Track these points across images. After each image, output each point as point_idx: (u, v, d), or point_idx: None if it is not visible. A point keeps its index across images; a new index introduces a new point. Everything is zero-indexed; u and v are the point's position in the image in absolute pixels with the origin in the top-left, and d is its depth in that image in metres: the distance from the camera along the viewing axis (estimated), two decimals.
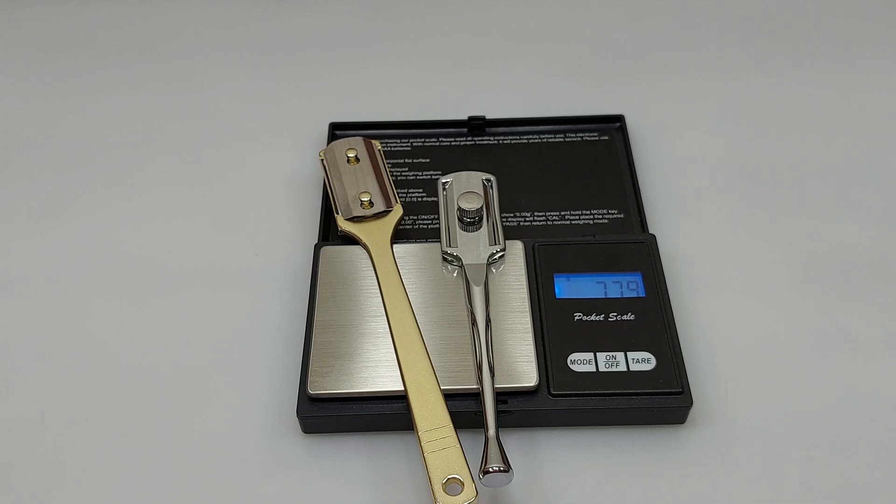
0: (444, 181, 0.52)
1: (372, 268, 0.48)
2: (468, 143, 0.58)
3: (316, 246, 0.50)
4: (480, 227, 0.49)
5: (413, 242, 0.50)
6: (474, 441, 0.42)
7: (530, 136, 0.58)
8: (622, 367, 0.44)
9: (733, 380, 0.46)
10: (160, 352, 0.48)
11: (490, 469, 0.39)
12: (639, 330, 0.45)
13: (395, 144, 0.58)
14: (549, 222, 0.53)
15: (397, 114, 0.60)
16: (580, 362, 0.44)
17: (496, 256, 0.48)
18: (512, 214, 0.53)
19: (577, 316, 0.46)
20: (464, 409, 0.42)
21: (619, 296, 0.47)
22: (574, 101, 0.61)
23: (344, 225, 0.50)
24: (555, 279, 0.47)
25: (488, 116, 0.58)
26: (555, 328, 0.45)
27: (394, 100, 0.62)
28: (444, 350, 0.44)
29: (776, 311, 0.49)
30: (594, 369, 0.44)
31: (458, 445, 0.40)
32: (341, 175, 0.52)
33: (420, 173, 0.56)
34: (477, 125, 0.58)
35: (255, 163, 0.58)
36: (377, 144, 0.54)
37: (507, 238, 0.49)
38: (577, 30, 0.68)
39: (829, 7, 0.69)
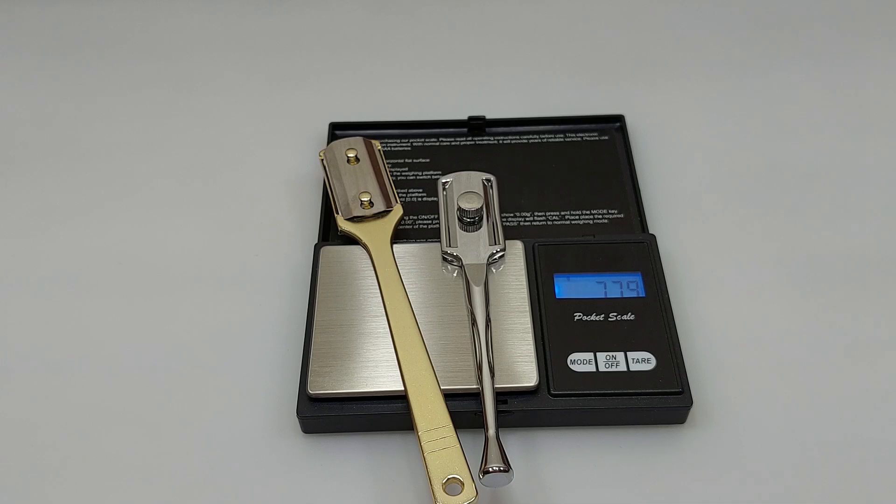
0: (444, 181, 0.52)
1: (372, 268, 0.48)
2: (468, 143, 0.58)
3: (316, 246, 0.50)
4: (480, 227, 0.49)
5: (413, 242, 0.50)
6: (474, 441, 0.42)
7: (530, 136, 0.58)
8: (622, 367, 0.44)
9: (733, 380, 0.46)
10: (160, 352, 0.48)
11: (490, 469, 0.39)
12: (639, 330, 0.45)
13: (395, 144, 0.58)
14: (549, 222, 0.53)
15: (397, 114, 0.60)
16: (580, 362, 0.44)
17: (496, 256, 0.48)
18: (512, 214, 0.53)
19: (577, 316, 0.46)
20: (464, 409, 0.42)
21: (619, 296, 0.47)
22: (574, 101, 0.61)
23: (344, 225, 0.50)
24: (555, 279, 0.47)
25: (488, 116, 0.58)
26: (555, 328, 0.45)
27: (394, 100, 0.62)
28: (444, 350, 0.44)
29: (776, 311, 0.49)
30: (594, 369, 0.44)
31: (458, 445, 0.40)
32: (341, 175, 0.52)
33: (420, 173, 0.56)
34: (477, 125, 0.58)
35: (255, 163, 0.58)
36: (377, 144, 0.54)
37: (507, 238, 0.49)
38: (577, 30, 0.68)
39: (828, 7, 0.69)
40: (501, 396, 0.43)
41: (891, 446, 0.43)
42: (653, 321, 0.45)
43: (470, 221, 0.49)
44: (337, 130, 0.59)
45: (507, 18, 0.69)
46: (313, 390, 0.43)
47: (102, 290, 0.51)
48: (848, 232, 0.53)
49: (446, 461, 0.39)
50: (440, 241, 0.49)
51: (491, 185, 0.52)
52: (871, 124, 0.59)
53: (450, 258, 0.48)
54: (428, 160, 0.57)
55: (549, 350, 0.44)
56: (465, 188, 0.51)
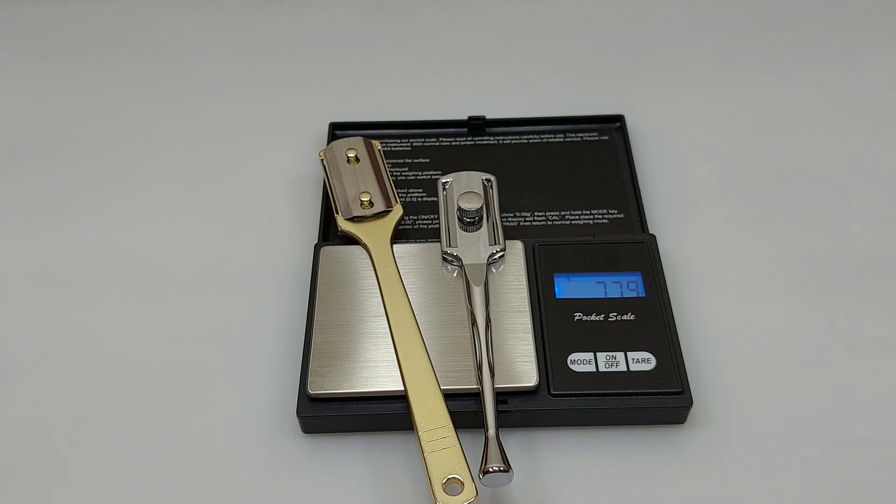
0: (444, 181, 0.52)
1: (372, 268, 0.48)
2: (468, 143, 0.58)
3: (316, 246, 0.50)
4: (480, 227, 0.49)
5: (413, 242, 0.50)
6: (474, 441, 0.42)
7: (530, 136, 0.58)
8: (622, 367, 0.44)
9: (733, 380, 0.46)
10: (160, 352, 0.48)
11: (490, 469, 0.39)
12: (639, 330, 0.45)
13: (395, 144, 0.58)
14: (549, 222, 0.53)
15: (397, 114, 0.60)
16: (580, 362, 0.44)
17: (496, 256, 0.48)
18: (512, 214, 0.53)
19: (577, 316, 0.46)
20: (464, 409, 0.42)
21: (619, 296, 0.47)
22: (574, 101, 0.61)
23: (344, 225, 0.50)
24: (555, 279, 0.47)
25: (488, 116, 0.58)
26: (555, 328, 0.45)
27: (394, 100, 0.62)
28: (444, 350, 0.44)
29: (776, 311, 0.49)
30: (594, 369, 0.44)
31: (458, 445, 0.40)
32: (341, 175, 0.52)
33: (420, 173, 0.56)
34: (477, 125, 0.58)
35: (255, 163, 0.58)
36: (377, 144, 0.54)
37: (507, 238, 0.49)
38: (577, 30, 0.68)
39: (829, 7, 0.69)
40: (501, 396, 0.43)
41: (891, 446, 0.43)
42: (653, 321, 0.45)
43: (470, 221, 0.49)
44: (337, 130, 0.59)
45: (507, 18, 0.69)
46: (313, 390, 0.43)
47: (102, 290, 0.51)
48: (848, 232, 0.53)
49: (446, 461, 0.39)
50: (440, 241, 0.49)
51: (491, 185, 0.52)
52: (871, 124, 0.59)
53: (450, 258, 0.48)
54: (428, 160, 0.57)
55: (549, 350, 0.44)
56: (465, 188, 0.51)
